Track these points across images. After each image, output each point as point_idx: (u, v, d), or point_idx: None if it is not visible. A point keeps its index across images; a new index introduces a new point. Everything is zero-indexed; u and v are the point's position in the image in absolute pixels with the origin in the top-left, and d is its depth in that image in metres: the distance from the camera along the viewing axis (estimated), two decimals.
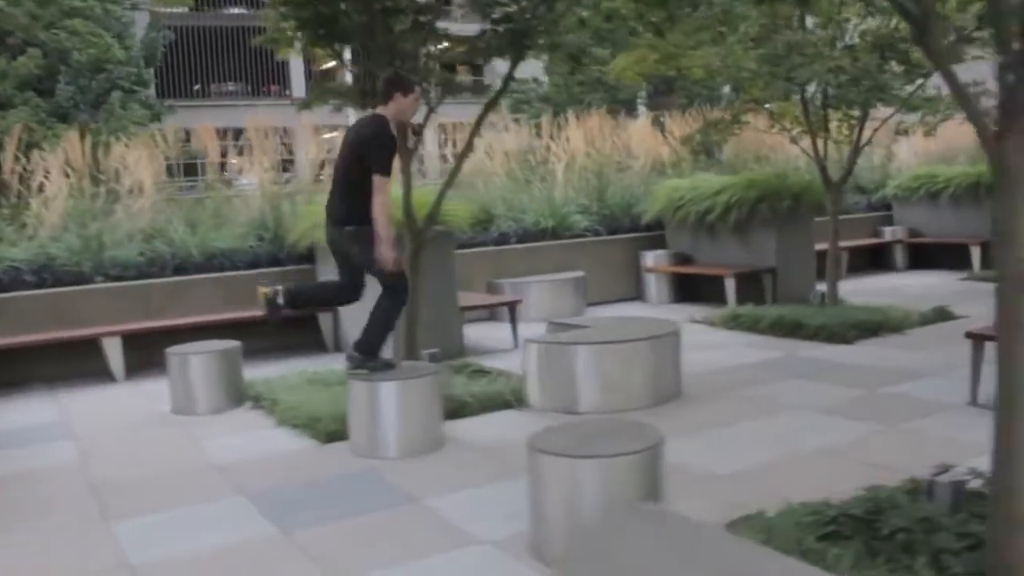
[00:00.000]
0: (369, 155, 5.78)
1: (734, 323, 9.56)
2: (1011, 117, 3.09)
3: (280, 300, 6.16)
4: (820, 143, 9.84)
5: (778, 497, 4.38)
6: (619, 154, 13.66)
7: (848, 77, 8.64)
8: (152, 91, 30.39)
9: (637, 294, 12.06)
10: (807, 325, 8.81)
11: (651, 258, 11.93)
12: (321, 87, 7.26)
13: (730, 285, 10.73)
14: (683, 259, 11.97)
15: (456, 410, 6.58)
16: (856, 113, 9.76)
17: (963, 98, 3.27)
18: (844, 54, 8.46)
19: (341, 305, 7.08)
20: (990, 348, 6.09)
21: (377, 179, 5.73)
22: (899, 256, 14.27)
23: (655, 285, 11.90)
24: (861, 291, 11.61)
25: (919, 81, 9.63)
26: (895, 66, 9.39)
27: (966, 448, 5.20)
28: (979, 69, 13.04)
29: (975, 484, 4.00)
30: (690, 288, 11.77)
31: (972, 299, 10.79)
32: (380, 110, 6.04)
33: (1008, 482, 3.20)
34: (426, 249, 7.65)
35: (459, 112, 12.46)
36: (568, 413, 6.51)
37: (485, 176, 12.99)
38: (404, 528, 4.59)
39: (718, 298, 10.87)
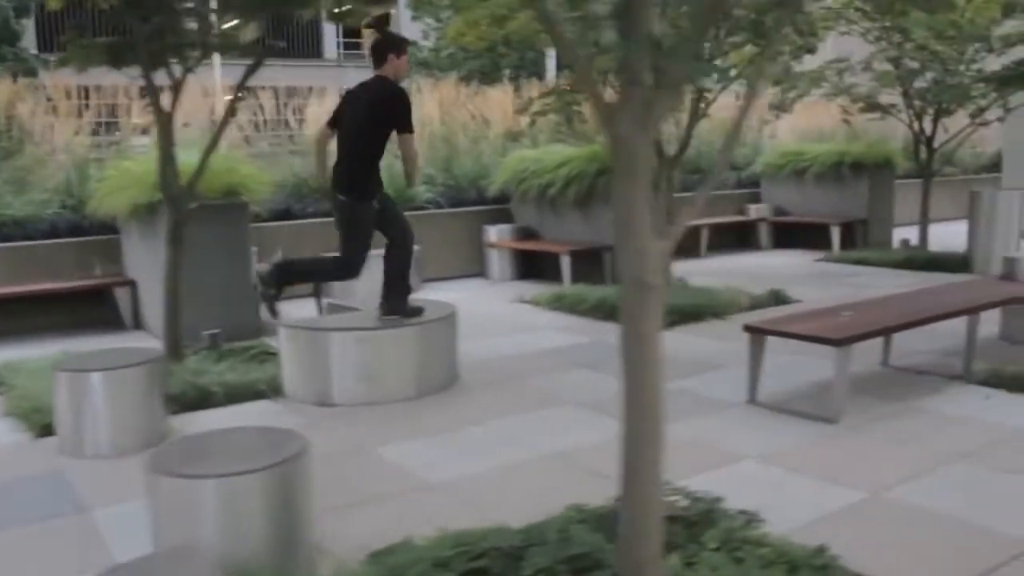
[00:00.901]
0: (395, 117, 6.05)
1: (558, 304, 9.02)
2: (626, 87, 2.53)
3: (267, 279, 6.39)
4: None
5: (476, 514, 3.87)
6: (476, 123, 13.01)
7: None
8: (30, 44, 28.87)
9: (480, 270, 11.47)
10: None
11: (494, 233, 11.32)
12: (76, 43, 6.46)
13: (566, 263, 10.20)
14: (528, 234, 11.40)
15: (199, 401, 5.94)
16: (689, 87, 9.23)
17: (581, 72, 2.67)
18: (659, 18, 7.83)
19: (338, 280, 7.28)
20: (772, 343, 5.63)
21: (406, 137, 6.08)
22: (764, 235, 13.88)
23: (498, 261, 11.31)
24: (714, 271, 11.19)
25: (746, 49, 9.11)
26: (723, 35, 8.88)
27: (722, 454, 4.75)
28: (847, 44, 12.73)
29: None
30: (533, 265, 11.22)
31: (818, 281, 10.44)
32: (377, 73, 6.19)
33: (634, 522, 2.66)
34: (197, 221, 6.99)
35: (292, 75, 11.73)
36: (323, 405, 5.92)
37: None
38: (45, 546, 3.94)
39: (558, 276, 10.33)
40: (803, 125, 15.57)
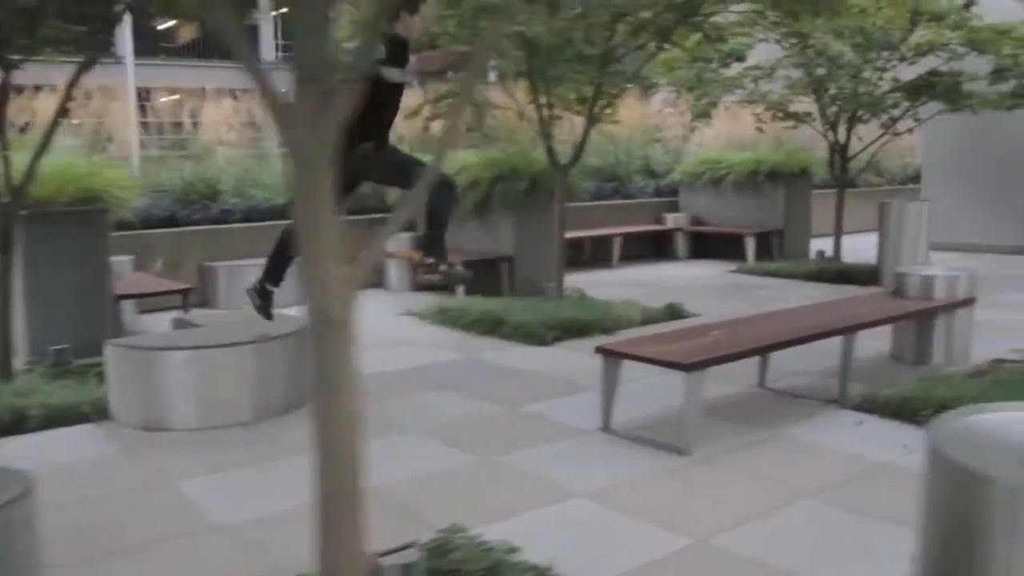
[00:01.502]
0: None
1: (442, 317, 8.57)
2: (299, 86, 2.09)
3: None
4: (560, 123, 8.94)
5: (254, 561, 3.45)
6: None
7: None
8: None
9: (378, 280, 11.00)
10: (507, 322, 7.89)
11: (391, 243, 10.86)
12: None
13: None
14: None
15: (13, 425, 5.43)
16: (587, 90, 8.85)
17: (253, 71, 2.20)
18: (531, 18, 7.39)
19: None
20: (629, 367, 5.22)
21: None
22: (680, 245, 13.55)
23: (396, 272, 10.85)
24: (622, 281, 10.83)
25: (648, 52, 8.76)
26: (626, 35, 8.52)
27: (553, 490, 4.34)
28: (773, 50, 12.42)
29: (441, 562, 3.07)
30: None
31: (724, 294, 10.12)
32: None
33: None
34: (47, 227, 6.49)
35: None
36: (150, 429, 5.43)
37: (225, 147, 11.77)
38: None
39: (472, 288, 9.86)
40: (735, 133, 15.25)
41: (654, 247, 13.52)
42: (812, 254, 12.46)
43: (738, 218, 13.14)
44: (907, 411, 5.32)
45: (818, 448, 4.91)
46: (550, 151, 8.87)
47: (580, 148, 8.91)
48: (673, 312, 8.64)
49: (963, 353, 6.84)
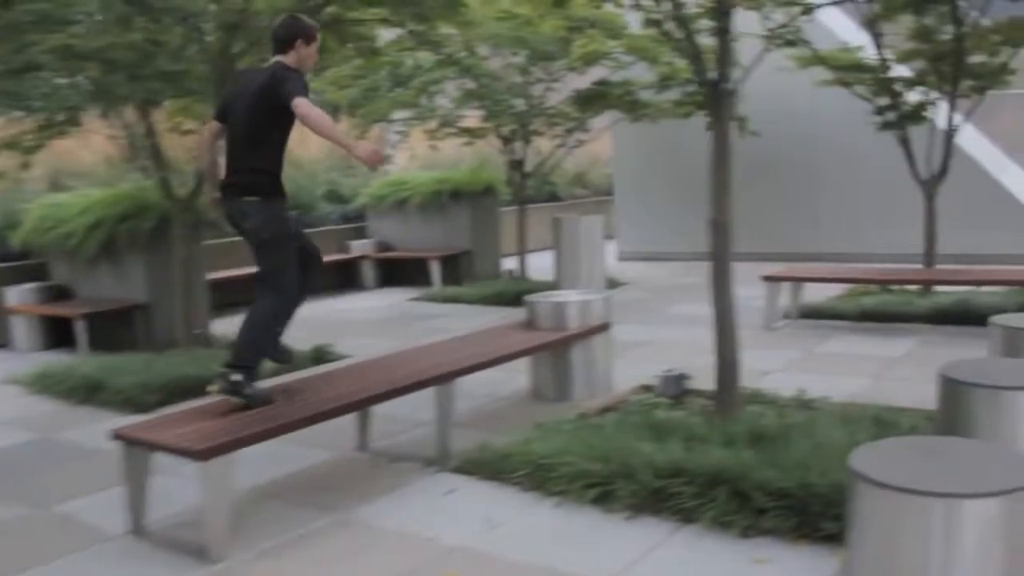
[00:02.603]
0: (281, 89, 4.47)
1: (40, 384, 7.28)
2: None
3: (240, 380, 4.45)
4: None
5: None
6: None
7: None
8: None
9: (3, 340, 9.51)
10: (107, 387, 6.74)
11: (15, 294, 9.41)
12: None
13: (81, 327, 8.51)
14: (60, 294, 9.57)
15: None
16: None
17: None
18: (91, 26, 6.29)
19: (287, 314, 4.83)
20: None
21: (301, 102, 4.37)
22: (368, 273, 12.69)
23: (25, 329, 9.37)
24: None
25: None
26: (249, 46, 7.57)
27: None
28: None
29: None
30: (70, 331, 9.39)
31: (393, 327, 9.36)
32: (277, 59, 4.77)
33: None
34: None
35: None
36: None
37: None
38: None
39: (88, 343, 8.59)
40: (431, 155, 14.52)
41: (341, 277, 12.58)
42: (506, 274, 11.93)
43: (425, 241, 12.45)
44: (505, 472, 4.62)
45: (386, 535, 4.08)
46: (163, 183, 7.78)
47: (198, 182, 7.79)
48: (319, 355, 7.74)
49: (605, 384, 6.30)
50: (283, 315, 4.75)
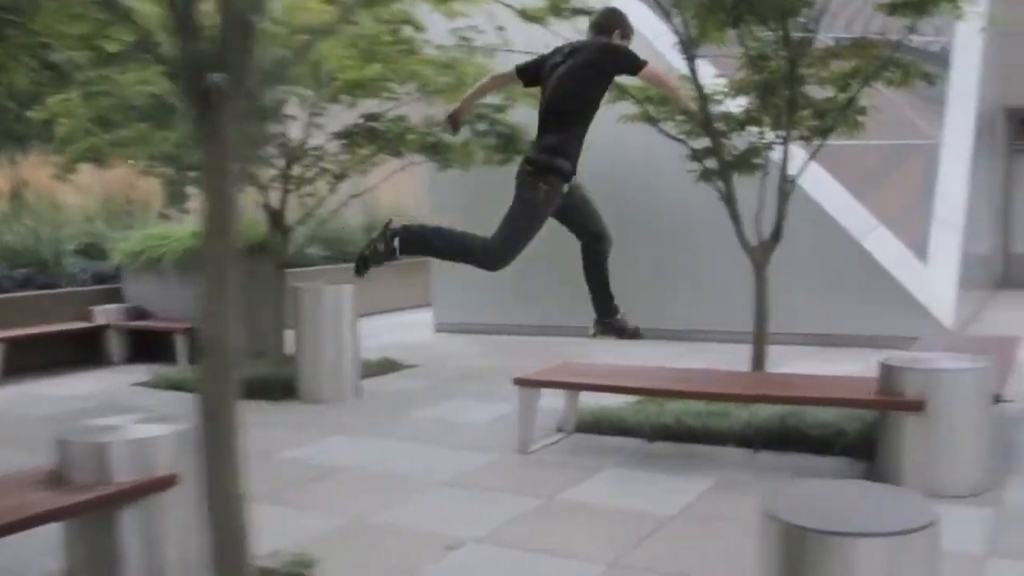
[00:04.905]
0: (617, 61, 5.28)
1: None
2: None
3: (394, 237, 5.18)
4: None
5: None
6: None
7: None
8: None
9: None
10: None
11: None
12: None
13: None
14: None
15: None
16: None
17: None
18: None
19: (478, 266, 5.56)
20: None
21: (647, 70, 5.23)
22: (115, 346, 10.24)
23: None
24: None
25: None
26: None
27: None
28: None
29: None
30: None
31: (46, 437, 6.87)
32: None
33: None
34: None
35: None
36: None
37: None
38: None
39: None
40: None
41: (80, 350, 10.15)
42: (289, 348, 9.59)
43: (182, 308, 10.11)
44: None
45: None
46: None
47: None
48: None
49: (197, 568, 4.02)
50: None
